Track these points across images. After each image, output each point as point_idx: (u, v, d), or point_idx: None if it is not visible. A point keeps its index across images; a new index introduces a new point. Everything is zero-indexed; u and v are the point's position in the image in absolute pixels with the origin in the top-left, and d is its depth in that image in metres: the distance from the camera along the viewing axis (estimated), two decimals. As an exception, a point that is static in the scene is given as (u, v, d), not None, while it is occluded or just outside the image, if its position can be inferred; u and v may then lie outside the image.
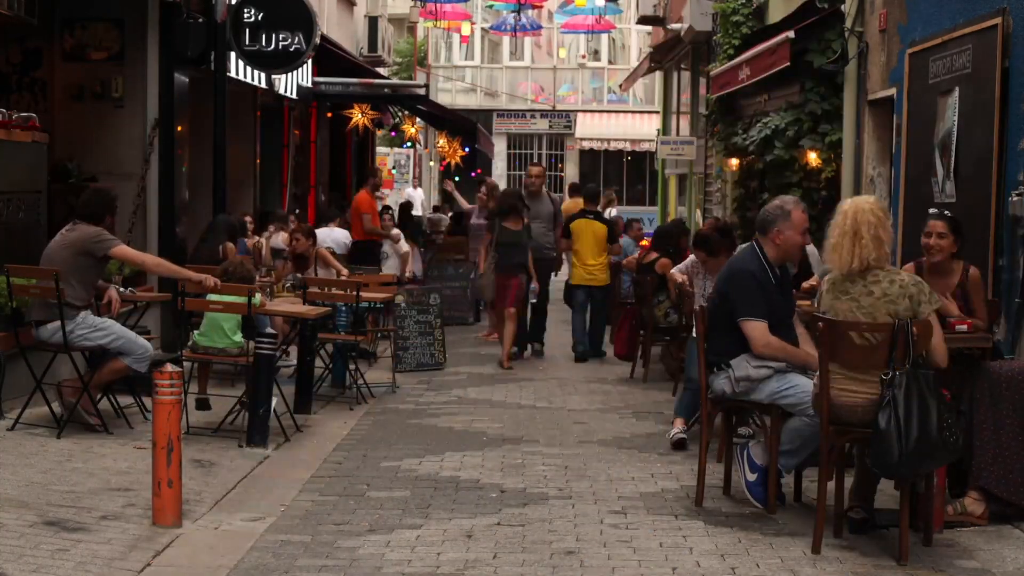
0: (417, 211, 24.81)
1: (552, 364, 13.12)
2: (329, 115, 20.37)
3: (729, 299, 6.85)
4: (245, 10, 12.02)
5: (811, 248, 11.09)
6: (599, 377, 12.15)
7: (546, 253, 13.86)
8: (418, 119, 26.46)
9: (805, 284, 9.75)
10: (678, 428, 8.76)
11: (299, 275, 11.32)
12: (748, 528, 6.52)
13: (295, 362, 10.44)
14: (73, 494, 6.79)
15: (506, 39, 41.83)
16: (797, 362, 6.71)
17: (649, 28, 29.85)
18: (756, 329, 6.71)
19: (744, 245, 7.13)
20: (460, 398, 10.83)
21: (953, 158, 9.17)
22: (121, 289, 9.43)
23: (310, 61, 15.59)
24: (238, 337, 8.75)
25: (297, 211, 16.43)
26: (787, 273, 7.15)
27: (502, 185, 22.42)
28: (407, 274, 15.06)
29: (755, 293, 6.76)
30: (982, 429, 6.55)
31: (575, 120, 43.36)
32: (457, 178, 28.78)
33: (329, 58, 17.88)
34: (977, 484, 6.59)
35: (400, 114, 25.70)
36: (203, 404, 9.40)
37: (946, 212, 7.55)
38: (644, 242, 15.80)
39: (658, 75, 28.70)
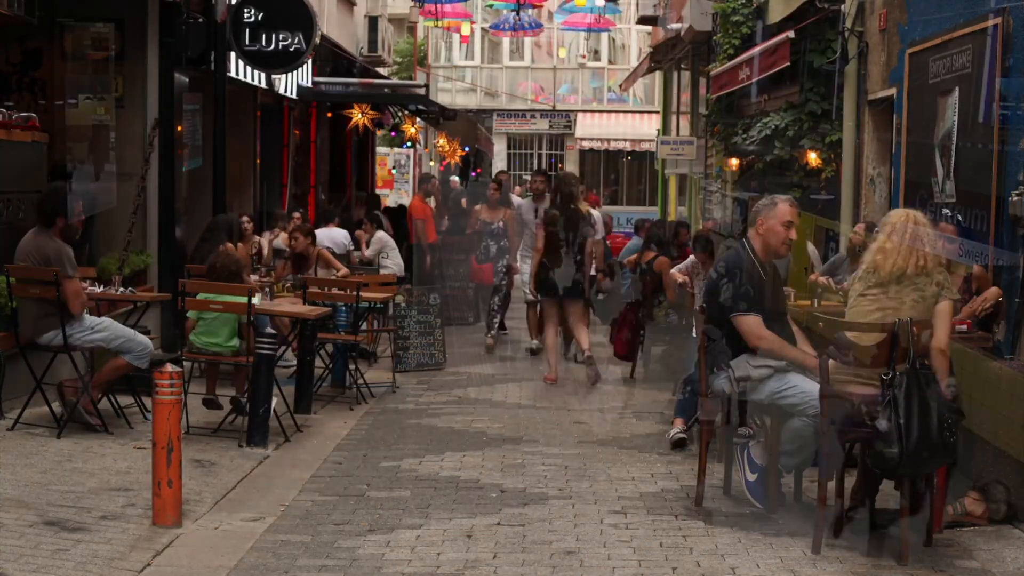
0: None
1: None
2: (329, 115, 20.35)
3: (721, 297, 6.84)
4: (245, 10, 12.00)
5: (811, 249, 11.12)
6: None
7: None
8: (418, 119, 26.41)
9: (812, 276, 9.77)
10: (678, 428, 8.77)
11: (299, 275, 11.31)
12: (748, 528, 6.52)
13: (294, 361, 10.44)
14: (73, 494, 6.78)
15: (506, 39, 41.76)
16: (792, 359, 6.67)
17: (649, 28, 29.85)
18: (748, 323, 6.68)
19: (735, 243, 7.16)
20: (460, 398, 10.83)
21: (953, 158, 9.17)
22: (121, 289, 9.42)
23: (310, 61, 15.58)
24: (234, 342, 8.76)
25: (301, 210, 16.42)
26: (777, 270, 7.14)
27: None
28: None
29: (744, 288, 6.74)
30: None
31: (575, 120, 43.33)
32: (457, 178, 28.80)
33: (329, 58, 17.87)
34: (977, 484, 6.59)
35: (400, 114, 25.66)
36: (212, 403, 9.35)
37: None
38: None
39: (658, 75, 28.70)
